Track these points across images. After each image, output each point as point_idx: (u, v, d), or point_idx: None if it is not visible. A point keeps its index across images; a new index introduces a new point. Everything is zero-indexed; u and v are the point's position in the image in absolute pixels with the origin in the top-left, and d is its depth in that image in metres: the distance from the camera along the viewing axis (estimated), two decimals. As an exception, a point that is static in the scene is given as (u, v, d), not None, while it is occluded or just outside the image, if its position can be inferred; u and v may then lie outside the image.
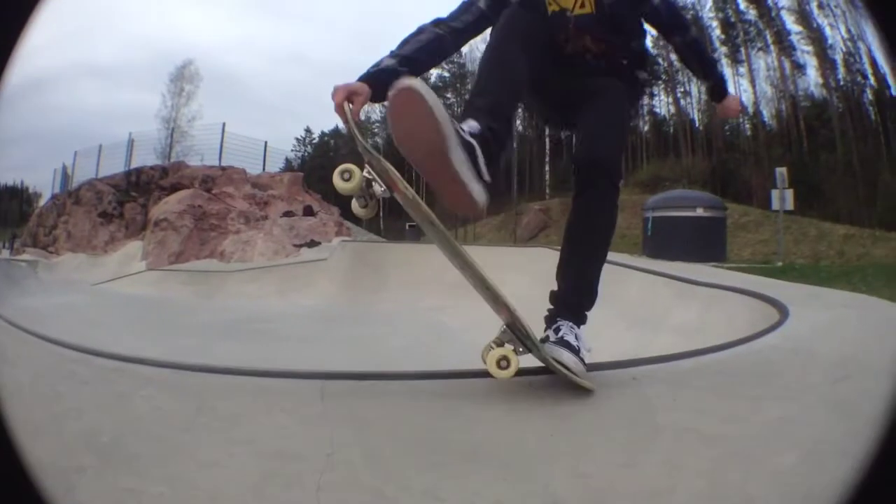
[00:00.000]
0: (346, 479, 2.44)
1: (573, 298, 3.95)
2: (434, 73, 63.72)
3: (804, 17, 55.50)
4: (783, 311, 5.58)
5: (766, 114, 58.08)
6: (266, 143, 38.09)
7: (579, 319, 3.88)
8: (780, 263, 18.84)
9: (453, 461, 2.63)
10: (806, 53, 54.69)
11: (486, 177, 3.03)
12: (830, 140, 50.37)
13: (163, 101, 49.63)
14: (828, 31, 54.84)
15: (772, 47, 57.41)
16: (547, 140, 60.05)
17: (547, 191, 57.51)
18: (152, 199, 29.40)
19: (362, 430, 2.98)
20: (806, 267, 17.62)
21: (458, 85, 62.09)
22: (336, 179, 3.05)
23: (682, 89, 60.53)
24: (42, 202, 43.84)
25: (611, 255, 11.29)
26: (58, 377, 3.82)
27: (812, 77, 55.96)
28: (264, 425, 3.02)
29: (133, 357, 4.26)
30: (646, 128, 59.73)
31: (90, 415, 3.11)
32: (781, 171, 23.20)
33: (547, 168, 60.02)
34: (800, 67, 56.34)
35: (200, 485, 2.46)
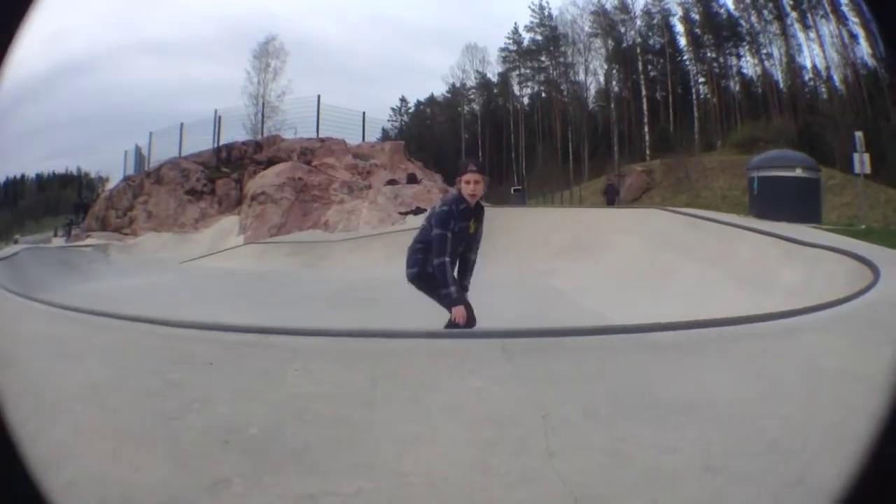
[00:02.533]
0: (575, 442, 2.23)
1: None
2: (527, 37, 64.12)
3: (846, -12, 55.02)
4: (875, 271, 5.74)
5: (837, 78, 57.60)
6: (364, 113, 37.53)
7: None
8: (863, 226, 18.67)
9: (669, 413, 2.48)
10: (856, 24, 54.18)
11: None
12: (885, 108, 49.92)
13: (248, 77, 49.21)
14: (864, 4, 54.23)
15: (830, 16, 56.97)
16: (644, 100, 59.58)
17: (647, 152, 57.11)
18: (247, 173, 29.69)
19: (564, 387, 2.77)
20: (883, 230, 17.39)
21: (551, 48, 61.89)
22: None
23: (765, 51, 60.13)
24: (109, 185, 43.89)
25: (719, 216, 11.35)
26: (165, 362, 3.27)
27: (864, 47, 55.50)
28: (459, 390, 2.73)
29: (270, 327, 3.90)
30: (737, 88, 59.15)
31: (224, 403, 2.65)
32: (859, 135, 22.91)
33: (646, 129, 59.51)
34: (853, 37, 55.94)
35: (407, 470, 2.11)
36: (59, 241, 34.67)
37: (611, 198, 38.46)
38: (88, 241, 28.27)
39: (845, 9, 54.21)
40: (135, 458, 2.19)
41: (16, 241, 43.23)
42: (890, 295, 4.79)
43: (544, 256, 12.24)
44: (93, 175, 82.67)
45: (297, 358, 3.24)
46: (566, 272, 11.48)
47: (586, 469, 2.07)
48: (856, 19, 54.34)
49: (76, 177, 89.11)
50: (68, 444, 2.27)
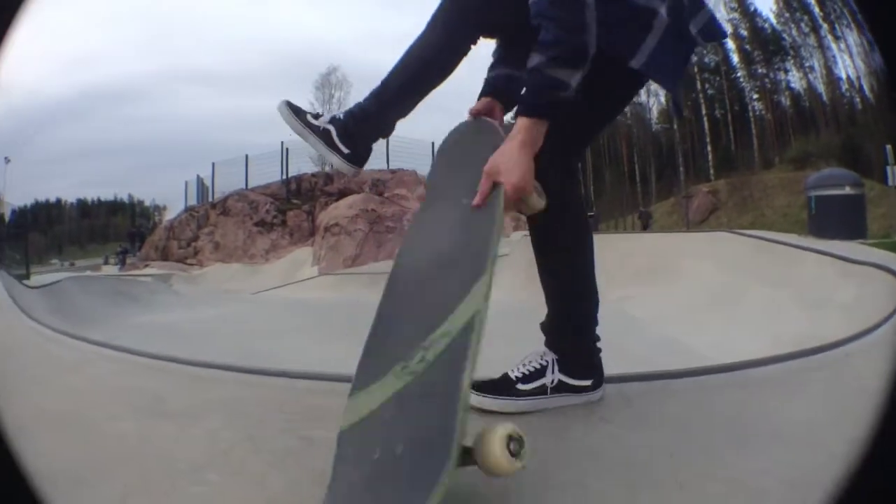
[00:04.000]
0: (696, 474, 2.55)
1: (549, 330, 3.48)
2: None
3: (859, -3, 54.72)
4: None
5: (867, 88, 57.34)
6: (433, 143, 37.79)
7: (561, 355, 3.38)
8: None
9: (761, 442, 2.82)
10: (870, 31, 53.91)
11: (344, 150, 3.29)
12: (911, 113, 49.79)
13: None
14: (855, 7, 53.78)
15: (853, 25, 56.79)
16: (705, 120, 59.83)
17: (711, 171, 57.15)
18: (318, 205, 30.44)
19: (679, 426, 3.08)
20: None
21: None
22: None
23: (807, 64, 60.10)
24: (168, 215, 44.01)
25: (783, 237, 11.48)
26: (295, 418, 3.26)
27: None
28: (594, 437, 2.95)
29: None
30: (787, 103, 59.23)
31: None
32: (889, 148, 23.39)
33: (709, 149, 59.64)
34: (871, 44, 55.85)
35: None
36: (110, 270, 35.82)
37: (645, 223, 39.28)
38: (147, 271, 28.36)
39: (861, 17, 54.18)
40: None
41: (72, 265, 43.16)
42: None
43: (619, 283, 12.44)
44: (147, 203, 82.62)
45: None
46: (642, 299, 11.97)
47: (708, 495, 2.44)
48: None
49: (128, 204, 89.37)
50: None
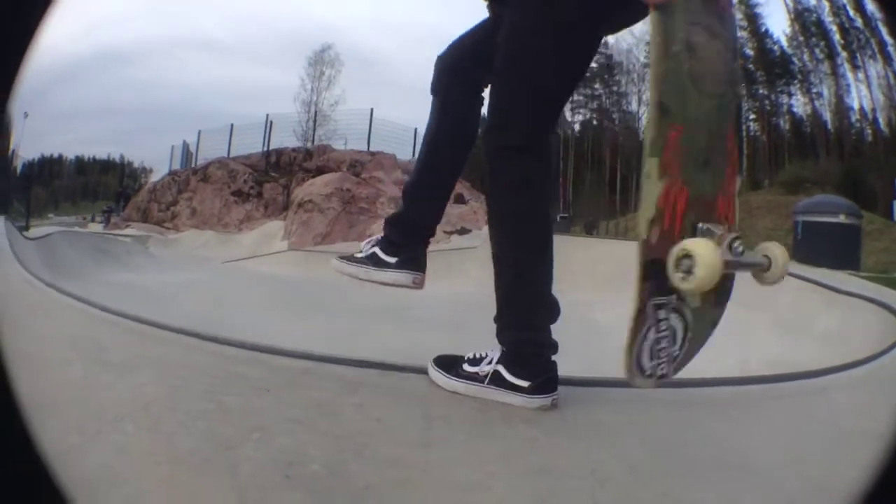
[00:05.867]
0: (620, 496, 2.31)
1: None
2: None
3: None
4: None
5: (882, 120, 57.32)
6: (416, 130, 37.77)
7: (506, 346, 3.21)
8: (896, 275, 18.76)
9: (705, 471, 2.58)
10: (900, 64, 53.61)
11: (390, 260, 3.48)
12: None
13: (301, 84, 49.45)
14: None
15: (878, 56, 56.60)
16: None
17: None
18: (295, 180, 30.25)
19: (611, 440, 2.80)
20: (915, 279, 17.43)
21: (605, 76, 62.22)
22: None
23: (815, 90, 59.91)
24: (153, 177, 44.59)
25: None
26: (218, 384, 3.16)
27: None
28: (512, 438, 2.73)
29: (327, 356, 3.74)
30: (786, 126, 59.34)
31: (284, 436, 2.56)
32: None
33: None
34: None
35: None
36: (96, 227, 35.39)
37: (589, 231, 40.72)
38: (128, 231, 28.67)
39: (890, 49, 53.99)
40: (193, 489, 2.18)
41: (91, 219, 43.69)
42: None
43: (585, 287, 11.87)
44: (136, 165, 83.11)
45: (353, 391, 3.17)
46: (605, 304, 11.06)
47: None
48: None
49: (119, 164, 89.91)
50: (116, 467, 2.25)
